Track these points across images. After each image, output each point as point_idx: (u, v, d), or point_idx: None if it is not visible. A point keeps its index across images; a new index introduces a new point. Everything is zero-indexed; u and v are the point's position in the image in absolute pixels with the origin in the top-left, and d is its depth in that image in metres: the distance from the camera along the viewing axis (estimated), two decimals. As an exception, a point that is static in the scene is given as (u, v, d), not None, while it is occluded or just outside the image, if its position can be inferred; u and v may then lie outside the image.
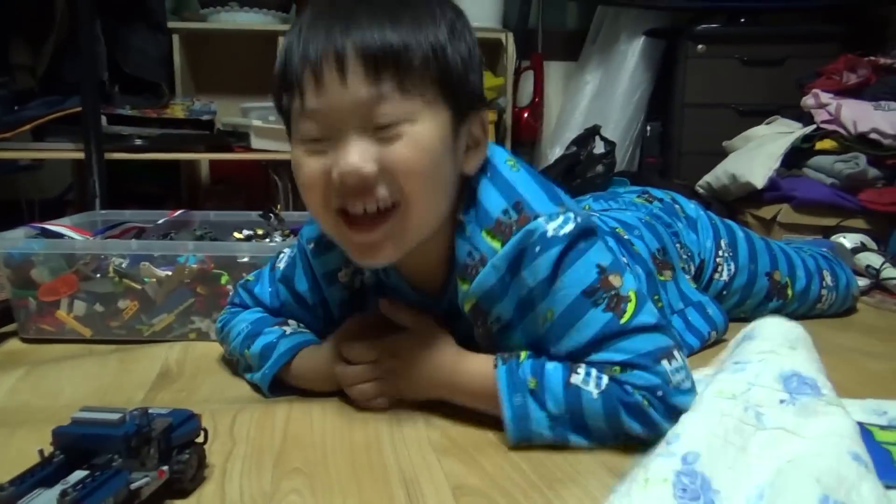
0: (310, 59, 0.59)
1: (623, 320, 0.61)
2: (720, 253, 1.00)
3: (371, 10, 0.59)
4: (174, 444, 0.54)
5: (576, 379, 0.61)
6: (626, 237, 0.88)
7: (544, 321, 0.64)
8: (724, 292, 1.00)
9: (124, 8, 1.70)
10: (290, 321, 0.80)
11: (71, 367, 0.86)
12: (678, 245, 0.96)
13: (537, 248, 0.62)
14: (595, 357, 0.62)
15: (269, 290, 0.81)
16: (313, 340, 0.76)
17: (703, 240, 1.00)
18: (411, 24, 0.59)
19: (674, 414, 0.57)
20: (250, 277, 0.85)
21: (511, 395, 0.62)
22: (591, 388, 0.60)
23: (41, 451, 0.50)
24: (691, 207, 1.04)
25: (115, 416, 0.51)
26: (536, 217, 0.63)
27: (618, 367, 0.60)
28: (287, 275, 0.80)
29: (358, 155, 0.58)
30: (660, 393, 0.59)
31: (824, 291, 1.07)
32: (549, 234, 0.62)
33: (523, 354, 0.65)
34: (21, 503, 0.45)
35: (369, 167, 0.58)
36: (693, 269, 0.98)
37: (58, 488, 0.46)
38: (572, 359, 0.63)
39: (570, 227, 0.62)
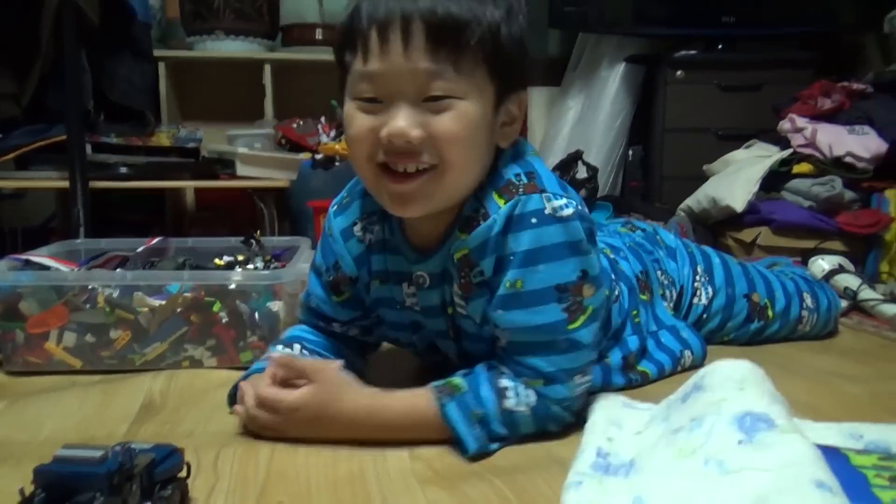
0: (378, 20, 0.63)
1: (569, 326, 0.69)
2: (697, 278, 1.03)
3: None
4: (157, 479, 0.54)
5: (508, 403, 0.68)
6: (612, 256, 0.92)
7: (510, 287, 0.68)
8: (704, 315, 1.03)
9: (110, 37, 1.71)
10: (296, 344, 0.81)
11: (53, 399, 0.86)
12: (660, 272, 0.99)
13: (533, 220, 0.67)
14: (527, 360, 0.69)
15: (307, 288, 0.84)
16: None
17: (681, 267, 1.03)
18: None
19: (578, 415, 0.72)
20: None
21: (470, 429, 0.67)
22: (523, 409, 0.68)
23: (21, 491, 0.50)
24: (670, 238, 1.08)
25: (97, 454, 0.51)
26: (543, 191, 0.68)
27: (542, 381, 0.69)
28: (314, 258, 0.84)
29: (408, 121, 0.64)
30: (567, 404, 0.71)
31: (805, 312, 1.09)
32: (547, 211, 0.67)
33: (460, 385, 0.69)
34: None
35: (416, 133, 0.64)
36: (674, 295, 1.00)
37: None
38: (508, 340, 0.70)
39: (569, 212, 0.68)
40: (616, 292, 0.88)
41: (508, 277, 0.68)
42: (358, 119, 0.67)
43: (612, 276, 0.88)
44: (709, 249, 1.10)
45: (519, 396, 0.69)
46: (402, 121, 0.63)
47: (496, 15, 0.65)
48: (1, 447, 0.71)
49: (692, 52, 2.22)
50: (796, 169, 1.73)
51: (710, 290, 1.03)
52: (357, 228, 0.79)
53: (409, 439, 0.69)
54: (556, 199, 0.68)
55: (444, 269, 0.75)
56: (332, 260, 0.80)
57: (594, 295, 0.70)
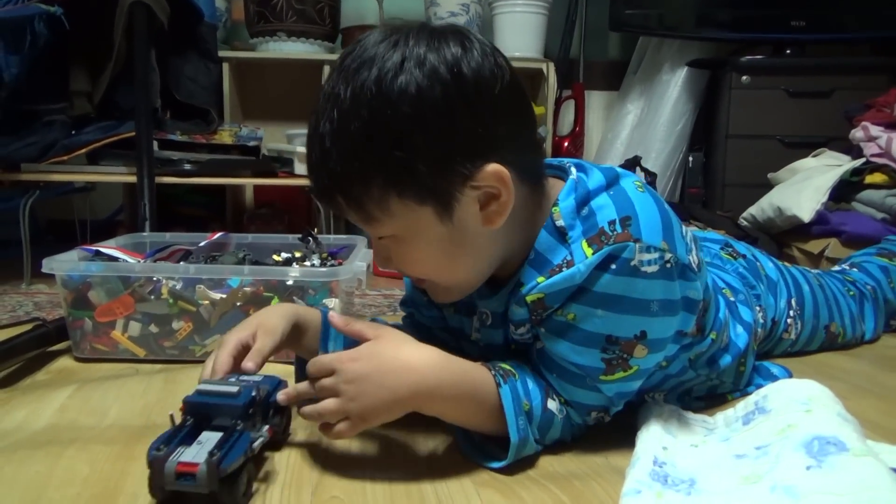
0: (313, 190, 0.67)
1: (602, 377, 0.66)
2: (791, 313, 1.00)
3: (332, 137, 0.61)
4: (271, 407, 0.65)
5: (551, 404, 0.67)
6: (731, 299, 0.87)
7: (562, 315, 0.65)
8: (790, 349, 1.03)
9: (178, 38, 1.76)
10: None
11: (118, 386, 0.89)
12: (758, 307, 0.94)
13: (613, 266, 0.62)
14: (552, 378, 0.68)
15: None
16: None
17: (779, 301, 0.99)
18: (362, 145, 0.59)
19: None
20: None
21: (517, 418, 0.63)
22: (558, 414, 0.67)
23: (172, 417, 0.60)
24: (770, 268, 1.01)
25: (234, 389, 0.61)
26: (638, 240, 0.62)
27: (562, 400, 0.69)
28: None
29: (377, 257, 0.70)
30: (582, 424, 0.70)
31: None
32: (633, 262, 0.62)
33: (513, 370, 0.66)
34: (172, 459, 0.54)
35: (383, 267, 0.70)
36: (766, 331, 0.98)
37: (198, 448, 0.55)
38: (543, 348, 0.68)
39: (653, 269, 0.62)
40: (725, 336, 0.80)
41: (567, 309, 0.65)
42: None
43: (728, 318, 0.81)
44: (798, 274, 1.05)
45: (556, 402, 0.67)
46: (374, 257, 0.70)
47: (397, 141, 0.58)
48: (69, 430, 0.74)
49: (758, 56, 2.16)
50: (869, 179, 1.66)
51: (800, 324, 1.01)
52: None
53: (459, 411, 0.64)
54: (649, 252, 0.62)
55: (507, 309, 0.71)
56: None
57: (646, 357, 0.65)
